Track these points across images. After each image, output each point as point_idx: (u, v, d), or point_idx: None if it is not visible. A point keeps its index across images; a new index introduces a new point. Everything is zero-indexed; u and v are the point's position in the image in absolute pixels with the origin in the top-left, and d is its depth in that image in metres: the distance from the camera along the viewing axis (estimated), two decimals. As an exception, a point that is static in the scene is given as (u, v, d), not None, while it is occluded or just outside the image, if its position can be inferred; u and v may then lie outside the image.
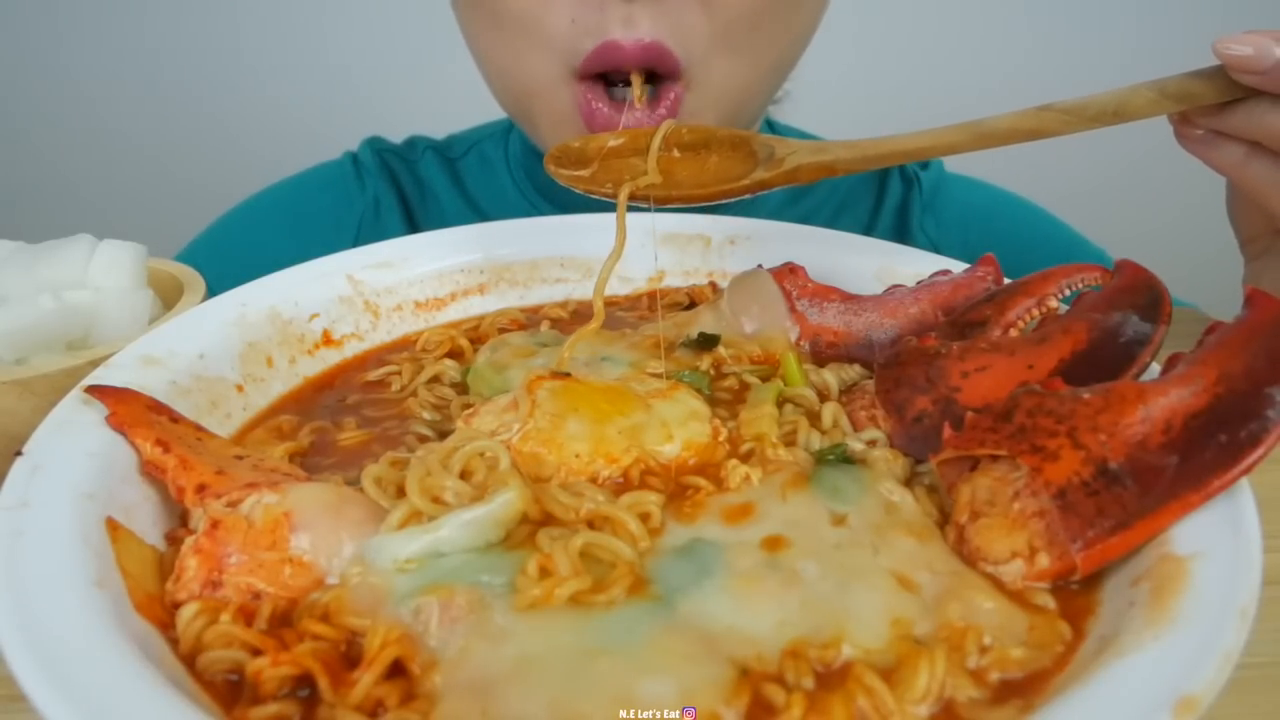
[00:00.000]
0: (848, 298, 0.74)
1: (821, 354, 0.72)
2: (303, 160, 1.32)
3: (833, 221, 1.21)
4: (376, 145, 1.28)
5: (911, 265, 0.81)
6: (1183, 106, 0.61)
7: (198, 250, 1.23)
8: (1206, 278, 1.19)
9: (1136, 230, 1.71)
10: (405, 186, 1.25)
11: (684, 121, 0.83)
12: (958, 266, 0.77)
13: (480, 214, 1.22)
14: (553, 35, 0.92)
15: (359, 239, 1.21)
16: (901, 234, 1.22)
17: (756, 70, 0.98)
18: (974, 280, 0.73)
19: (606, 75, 0.93)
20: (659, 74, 0.92)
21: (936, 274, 0.75)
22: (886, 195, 1.24)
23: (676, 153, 0.77)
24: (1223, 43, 0.56)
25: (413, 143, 1.30)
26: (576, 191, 0.76)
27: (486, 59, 1.03)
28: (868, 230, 1.22)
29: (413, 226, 1.23)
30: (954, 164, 1.30)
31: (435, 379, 0.72)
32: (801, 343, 0.72)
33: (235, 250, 1.22)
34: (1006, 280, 0.72)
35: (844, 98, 1.90)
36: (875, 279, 0.81)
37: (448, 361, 0.74)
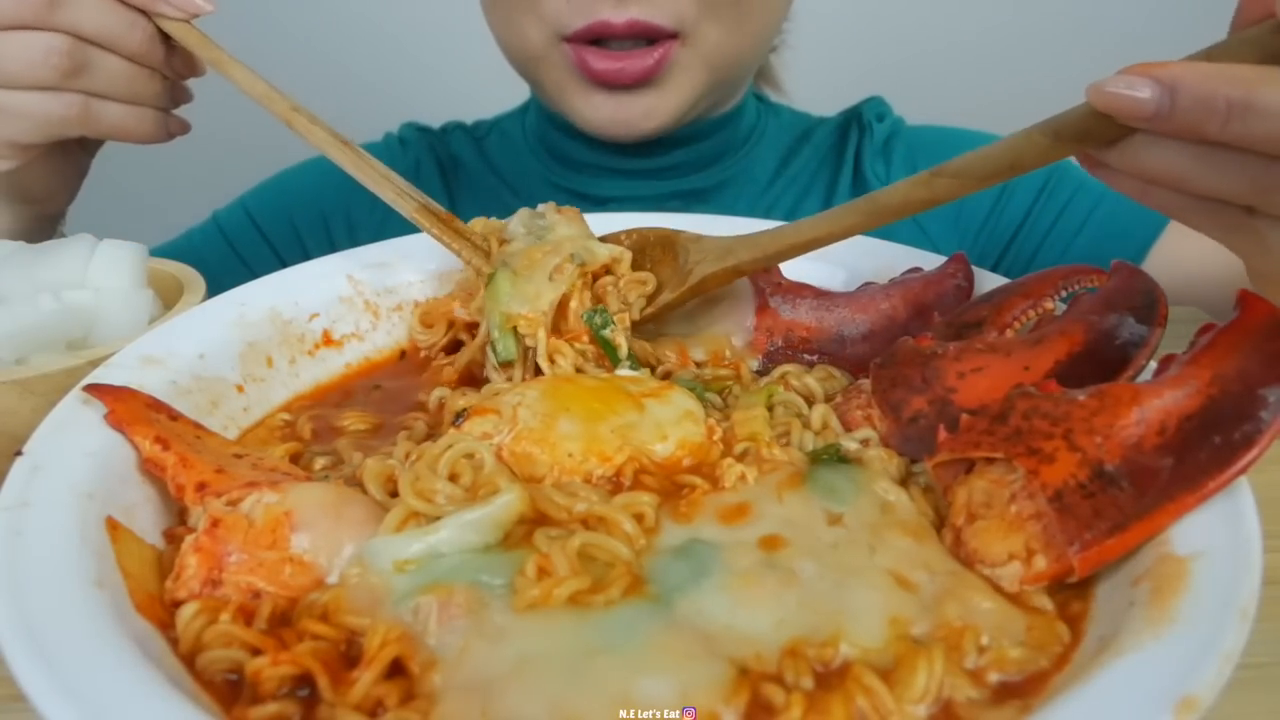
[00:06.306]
0: (820, 294, 0.75)
1: (794, 349, 0.73)
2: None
3: (816, 174, 1.31)
4: (413, 126, 1.40)
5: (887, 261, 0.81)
6: (1080, 148, 0.54)
7: (263, 193, 1.34)
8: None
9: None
10: (440, 158, 1.37)
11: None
12: (929, 263, 0.77)
13: (503, 180, 1.33)
14: (545, 11, 1.02)
15: None
16: (857, 178, 1.30)
17: (743, 38, 1.08)
18: (944, 277, 0.73)
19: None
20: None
21: (908, 271, 0.76)
22: (847, 146, 1.32)
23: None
24: (1095, 87, 0.49)
25: (444, 126, 1.42)
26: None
27: (491, 27, 1.15)
28: (835, 178, 1.29)
29: (448, 191, 1.35)
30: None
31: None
32: (756, 355, 0.73)
33: (290, 198, 1.31)
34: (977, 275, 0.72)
35: (839, 44, 1.94)
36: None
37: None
